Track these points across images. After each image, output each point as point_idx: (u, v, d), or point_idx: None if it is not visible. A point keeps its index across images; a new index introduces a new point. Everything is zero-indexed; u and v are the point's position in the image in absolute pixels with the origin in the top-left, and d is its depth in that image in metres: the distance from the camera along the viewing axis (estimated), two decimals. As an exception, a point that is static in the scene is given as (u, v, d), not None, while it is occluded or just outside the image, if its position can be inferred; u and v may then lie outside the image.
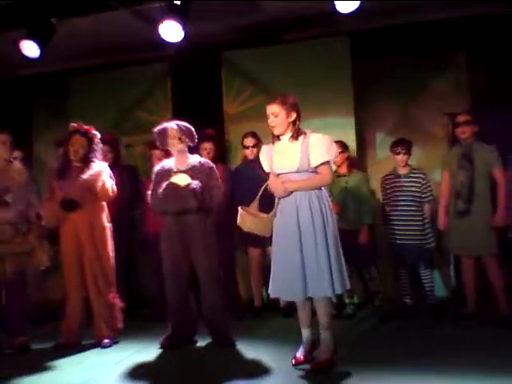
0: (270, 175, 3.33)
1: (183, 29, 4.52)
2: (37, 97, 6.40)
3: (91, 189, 3.90)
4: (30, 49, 4.77)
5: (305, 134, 3.25)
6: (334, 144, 3.27)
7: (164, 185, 3.69)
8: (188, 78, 5.67)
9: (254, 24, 5.27)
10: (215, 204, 3.85)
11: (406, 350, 3.49)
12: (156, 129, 3.85)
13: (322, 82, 5.21)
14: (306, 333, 3.35)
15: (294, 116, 3.24)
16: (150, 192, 3.83)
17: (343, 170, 4.59)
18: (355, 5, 4.31)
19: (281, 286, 3.21)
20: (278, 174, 3.27)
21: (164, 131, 3.81)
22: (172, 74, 5.80)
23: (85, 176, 3.90)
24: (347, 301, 4.54)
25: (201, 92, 5.59)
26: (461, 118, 4.18)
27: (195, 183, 3.68)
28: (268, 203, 3.41)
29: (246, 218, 3.29)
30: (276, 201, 3.30)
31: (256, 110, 5.45)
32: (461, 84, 5.23)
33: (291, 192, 3.17)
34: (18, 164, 4.16)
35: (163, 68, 5.84)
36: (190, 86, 5.64)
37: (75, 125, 4.03)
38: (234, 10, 4.93)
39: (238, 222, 3.33)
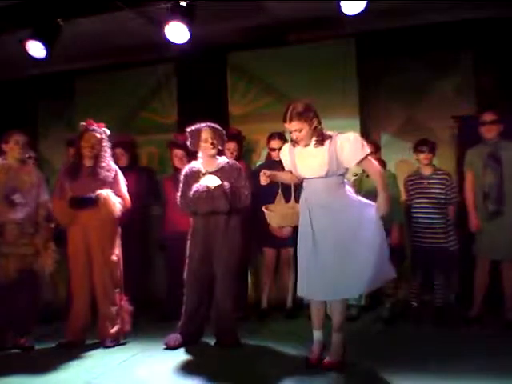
0: None
1: (189, 30, 4.53)
2: (43, 97, 6.43)
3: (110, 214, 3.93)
4: (36, 49, 4.80)
5: (330, 137, 3.20)
6: (363, 140, 3.21)
7: (194, 186, 3.72)
8: (193, 79, 5.69)
9: (260, 25, 5.28)
10: (244, 205, 3.87)
11: (411, 352, 3.48)
12: (189, 129, 3.85)
13: (327, 83, 5.20)
14: (318, 334, 3.34)
15: (315, 123, 3.20)
16: (179, 193, 3.86)
17: None
18: (361, 6, 4.31)
19: (315, 287, 3.16)
20: (303, 179, 3.29)
21: (198, 133, 3.82)
22: (177, 75, 5.81)
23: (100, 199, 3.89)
24: (353, 302, 4.52)
25: (206, 93, 5.62)
26: (487, 117, 4.10)
27: (226, 185, 3.71)
28: (288, 192, 3.44)
29: (274, 216, 3.37)
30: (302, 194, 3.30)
31: (261, 111, 5.49)
32: (466, 86, 5.22)
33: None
34: (30, 165, 4.17)
35: (169, 69, 5.85)
36: (196, 87, 5.66)
37: (85, 123, 4.03)
38: (240, 12, 4.94)
39: (268, 221, 3.41)
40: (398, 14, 5.00)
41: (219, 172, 3.80)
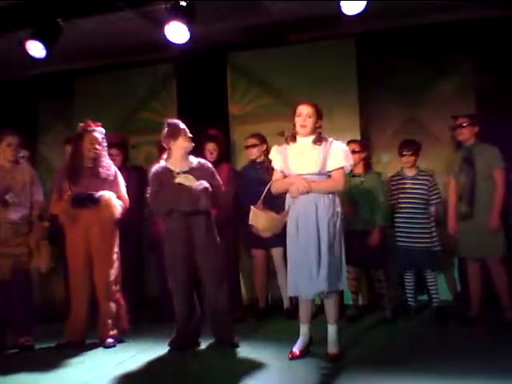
0: (293, 175, 3.36)
1: (189, 30, 4.53)
2: (43, 97, 6.43)
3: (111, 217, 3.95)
4: (36, 49, 4.79)
5: (326, 140, 3.40)
6: (351, 155, 3.46)
7: (171, 186, 3.63)
8: (193, 79, 5.68)
9: (260, 25, 5.28)
10: (220, 204, 3.85)
11: (409, 352, 3.49)
12: (168, 121, 3.77)
13: (327, 83, 5.21)
14: (305, 328, 3.49)
15: (319, 123, 3.43)
16: (149, 194, 3.73)
17: (359, 169, 4.49)
18: (361, 6, 4.31)
19: (301, 284, 3.29)
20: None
21: (177, 125, 3.73)
22: (177, 75, 5.82)
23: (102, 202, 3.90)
24: (351, 302, 4.53)
25: (206, 93, 5.61)
26: (458, 121, 4.20)
27: (205, 183, 3.64)
28: (270, 203, 3.44)
29: (259, 216, 3.34)
30: (288, 201, 3.41)
31: (261, 110, 5.51)
32: (466, 87, 5.21)
33: (308, 192, 3.27)
34: (24, 164, 4.15)
35: (168, 69, 5.86)
36: (196, 87, 5.66)
37: (83, 124, 4.03)
38: (240, 12, 4.94)
39: (250, 220, 3.37)
40: (398, 14, 5.00)
41: (192, 171, 3.71)
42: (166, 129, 3.75)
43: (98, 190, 3.92)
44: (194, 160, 3.82)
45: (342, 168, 3.36)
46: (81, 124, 4.06)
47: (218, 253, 3.79)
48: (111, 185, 4.02)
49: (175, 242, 3.70)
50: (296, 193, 3.29)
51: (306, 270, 3.25)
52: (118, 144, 4.85)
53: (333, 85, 5.21)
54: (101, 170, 3.99)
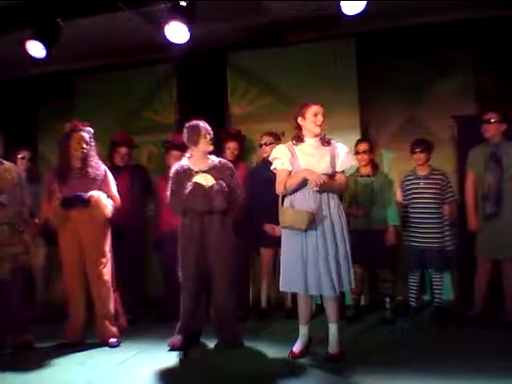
0: (303, 169, 3.36)
1: (189, 30, 4.54)
2: (43, 97, 6.43)
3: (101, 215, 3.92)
4: (36, 49, 4.79)
5: (330, 141, 3.47)
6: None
7: (189, 184, 3.65)
8: (193, 79, 5.68)
9: (260, 25, 5.28)
10: (237, 204, 3.86)
11: (409, 352, 3.49)
12: (188, 124, 3.79)
13: (327, 83, 5.21)
14: (304, 329, 3.52)
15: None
16: (169, 192, 3.78)
17: (367, 170, 4.52)
18: (361, 6, 4.31)
19: (311, 283, 3.29)
20: None
21: (197, 129, 3.76)
22: (177, 75, 5.82)
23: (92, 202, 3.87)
24: (352, 303, 4.53)
25: (206, 93, 5.61)
26: (485, 116, 4.09)
27: (221, 183, 3.67)
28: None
29: (296, 214, 3.30)
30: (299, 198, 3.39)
31: (261, 111, 5.51)
32: (467, 87, 5.21)
33: (322, 187, 3.27)
34: (8, 163, 4.09)
35: (169, 69, 5.86)
36: (196, 87, 5.66)
37: (70, 124, 4.02)
38: (240, 12, 4.94)
39: (284, 222, 3.34)
40: (397, 14, 5.00)
41: (211, 171, 3.74)
42: (186, 133, 3.78)
43: (87, 190, 3.90)
44: (215, 159, 3.85)
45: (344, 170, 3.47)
46: (68, 124, 4.05)
47: (232, 255, 3.78)
48: (101, 184, 4.00)
49: (189, 241, 3.73)
50: (314, 185, 3.26)
51: (324, 268, 3.24)
52: (127, 142, 4.87)
53: (333, 85, 5.21)
54: (90, 169, 3.97)
